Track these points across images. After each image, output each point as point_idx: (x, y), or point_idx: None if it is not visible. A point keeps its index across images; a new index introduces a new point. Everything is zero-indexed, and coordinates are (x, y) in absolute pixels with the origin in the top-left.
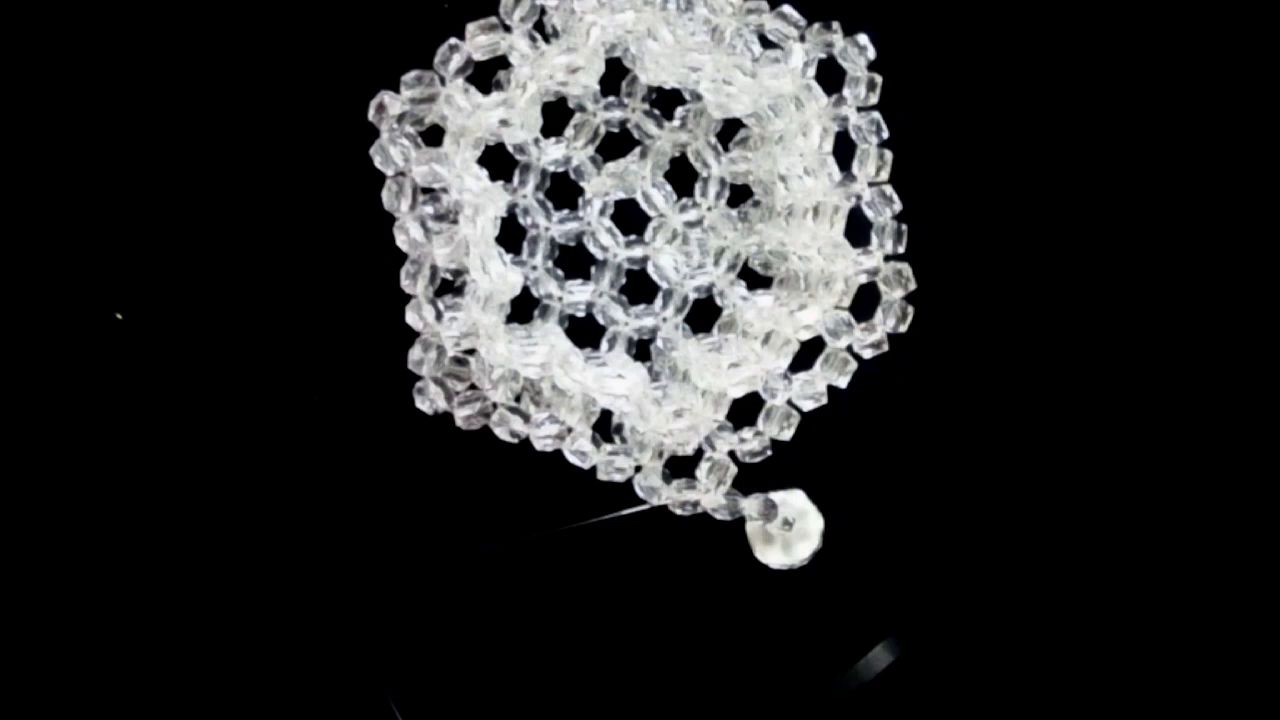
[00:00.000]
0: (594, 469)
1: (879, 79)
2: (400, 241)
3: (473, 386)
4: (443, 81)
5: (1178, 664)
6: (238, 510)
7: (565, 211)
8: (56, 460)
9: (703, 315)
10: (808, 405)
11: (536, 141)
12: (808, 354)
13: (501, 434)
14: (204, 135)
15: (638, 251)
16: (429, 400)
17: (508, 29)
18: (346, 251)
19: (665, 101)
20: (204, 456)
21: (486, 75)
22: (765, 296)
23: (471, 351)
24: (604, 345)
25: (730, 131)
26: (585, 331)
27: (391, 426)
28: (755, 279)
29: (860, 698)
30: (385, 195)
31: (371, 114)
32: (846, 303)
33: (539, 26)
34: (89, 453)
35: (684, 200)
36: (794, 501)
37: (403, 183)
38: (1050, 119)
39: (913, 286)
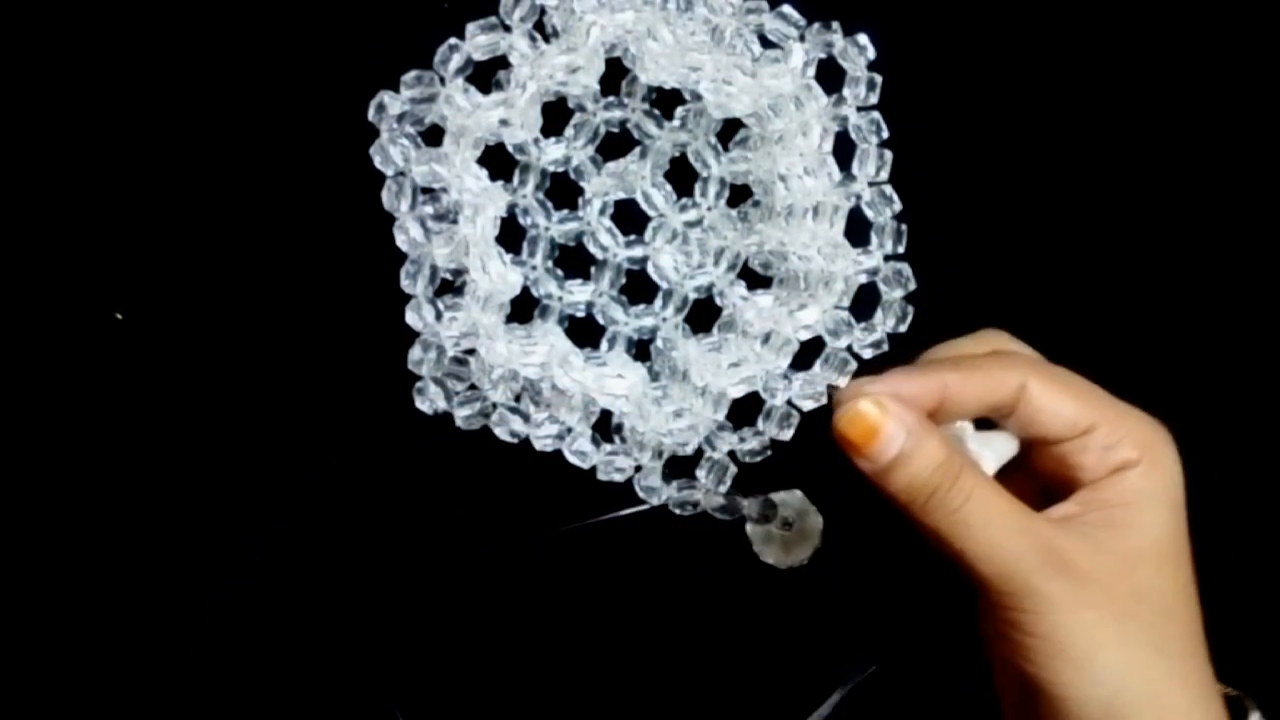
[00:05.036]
0: (594, 469)
1: (879, 79)
2: (400, 241)
3: (473, 386)
4: (443, 81)
5: None
6: (238, 510)
7: (565, 211)
8: (57, 460)
9: (703, 315)
10: (808, 405)
11: (536, 141)
12: (808, 354)
13: (501, 434)
14: (204, 135)
15: (638, 251)
16: (429, 400)
17: (508, 29)
18: (346, 251)
19: (665, 101)
20: (204, 456)
21: (486, 75)
22: (765, 296)
23: (471, 351)
24: (604, 345)
25: (730, 131)
26: (585, 331)
27: (391, 426)
28: (755, 279)
29: (858, 695)
30: (385, 195)
31: (371, 114)
32: (846, 303)
33: (539, 26)
34: (89, 453)
35: (684, 200)
36: (794, 502)
37: (403, 183)
38: (1050, 118)
39: (913, 286)
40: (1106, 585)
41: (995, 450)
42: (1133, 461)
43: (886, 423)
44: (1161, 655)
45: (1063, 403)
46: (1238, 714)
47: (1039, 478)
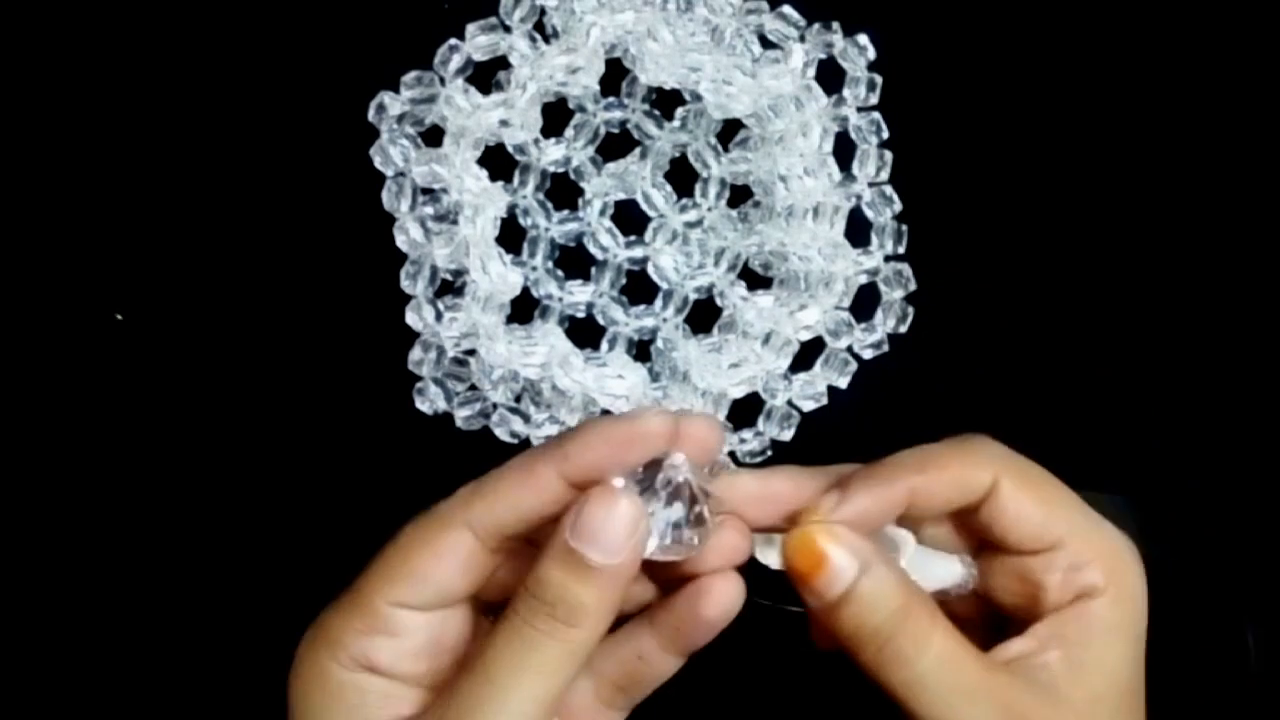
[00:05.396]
0: None
1: (879, 79)
2: (400, 241)
3: (473, 387)
4: (443, 81)
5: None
6: (238, 511)
7: (565, 212)
8: (57, 460)
9: (703, 315)
10: (808, 405)
11: (536, 141)
12: (808, 354)
13: (501, 434)
14: (205, 135)
15: (638, 252)
16: (429, 400)
17: (508, 29)
18: (346, 251)
19: (665, 101)
20: (204, 457)
21: (486, 75)
22: (765, 296)
23: (471, 352)
24: (604, 345)
25: (730, 131)
26: (585, 331)
27: (391, 426)
28: (755, 279)
29: (855, 700)
30: (385, 195)
31: (371, 114)
32: (846, 303)
33: (539, 26)
34: (89, 452)
35: (684, 200)
36: None
37: (403, 183)
38: (1050, 118)
39: (913, 286)
40: None
41: (937, 575)
42: (1099, 589)
43: (836, 552)
44: None
45: (1032, 508)
46: None
47: (991, 594)
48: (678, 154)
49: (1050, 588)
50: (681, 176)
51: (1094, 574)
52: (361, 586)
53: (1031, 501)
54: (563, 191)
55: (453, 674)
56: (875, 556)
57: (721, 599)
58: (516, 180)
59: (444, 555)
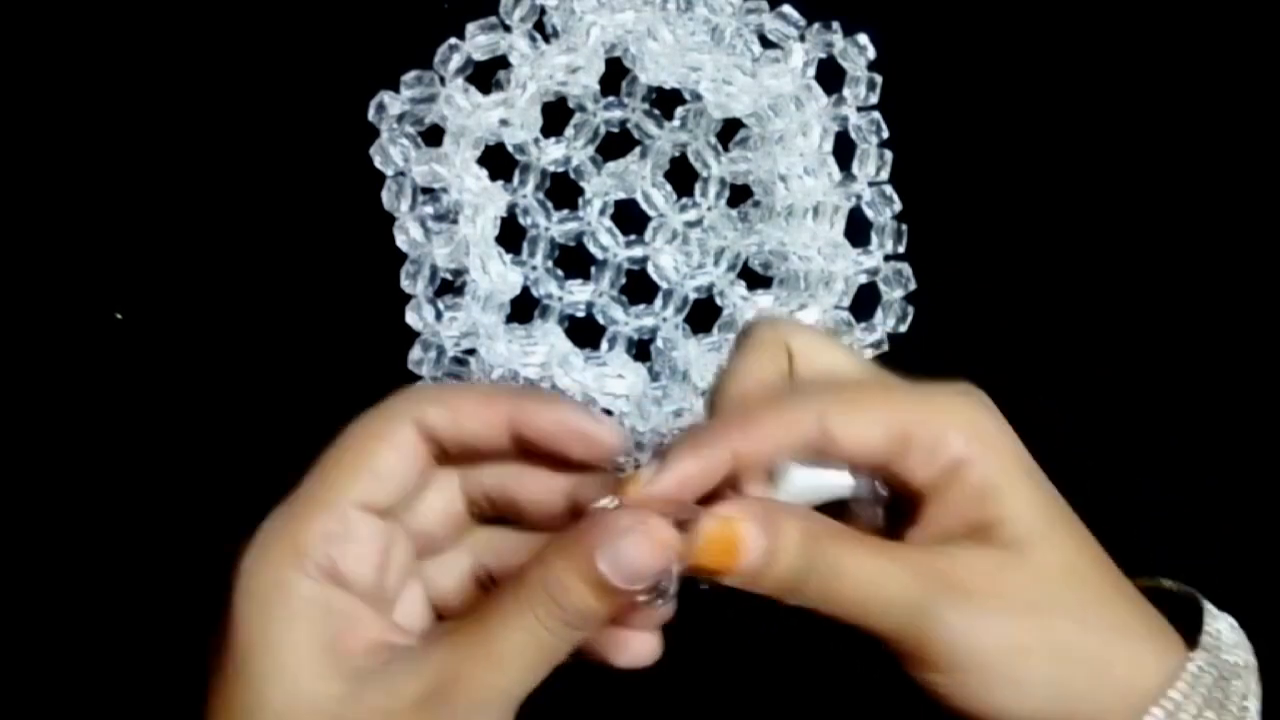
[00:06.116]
0: None
1: (879, 79)
2: (400, 241)
3: None
4: (443, 81)
5: None
6: (238, 510)
7: (565, 211)
8: (57, 460)
9: (703, 315)
10: None
11: (536, 141)
12: None
13: None
14: (205, 135)
15: (638, 251)
16: None
17: (508, 29)
18: (346, 251)
19: (665, 101)
20: (204, 456)
21: (486, 75)
22: (765, 296)
23: (471, 351)
24: (604, 345)
25: (730, 131)
26: (585, 331)
27: None
28: (755, 278)
29: (853, 701)
30: (385, 195)
31: (371, 114)
32: (846, 302)
33: (539, 26)
34: (89, 452)
35: (684, 200)
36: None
37: (403, 183)
38: (1050, 118)
39: (913, 286)
40: (1002, 587)
41: (830, 485)
42: (965, 456)
43: (745, 530)
44: (1092, 629)
45: (867, 424)
46: (1193, 618)
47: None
48: (678, 153)
49: (923, 480)
50: (681, 176)
51: (952, 445)
52: (318, 487)
53: (862, 416)
54: (563, 191)
55: (442, 632)
56: (768, 509)
57: (634, 655)
58: (516, 180)
59: (400, 449)
